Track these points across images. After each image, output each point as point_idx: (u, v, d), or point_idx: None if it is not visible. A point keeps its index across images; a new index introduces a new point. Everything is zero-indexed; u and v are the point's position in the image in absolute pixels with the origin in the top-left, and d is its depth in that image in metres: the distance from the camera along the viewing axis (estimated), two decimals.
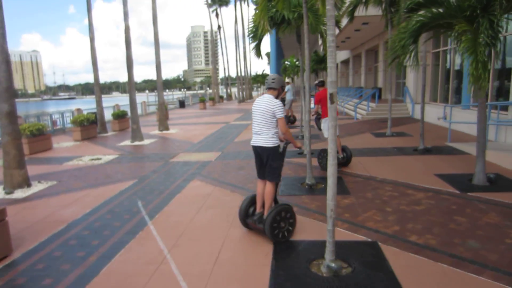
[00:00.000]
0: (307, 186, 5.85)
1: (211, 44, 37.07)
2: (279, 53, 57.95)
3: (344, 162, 6.97)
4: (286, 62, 39.37)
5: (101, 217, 4.84)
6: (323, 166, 6.75)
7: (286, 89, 13.75)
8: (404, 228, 4.10)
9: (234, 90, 65.39)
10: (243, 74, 42.65)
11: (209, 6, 39.43)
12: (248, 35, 9.35)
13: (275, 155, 3.87)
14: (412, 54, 6.15)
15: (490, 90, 9.26)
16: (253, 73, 56.48)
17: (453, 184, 5.66)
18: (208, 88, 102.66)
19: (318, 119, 7.09)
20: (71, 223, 4.64)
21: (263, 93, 4.62)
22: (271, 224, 3.74)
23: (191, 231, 4.28)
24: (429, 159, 7.52)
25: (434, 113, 12.97)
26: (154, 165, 7.99)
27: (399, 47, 5.96)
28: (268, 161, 3.88)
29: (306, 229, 4.17)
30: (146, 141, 11.71)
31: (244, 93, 41.62)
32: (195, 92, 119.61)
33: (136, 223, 4.56)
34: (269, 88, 3.94)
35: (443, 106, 12.76)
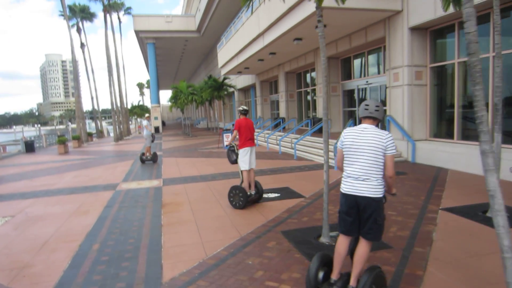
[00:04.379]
0: None
1: (74, 64, 27.45)
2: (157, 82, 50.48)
3: (256, 198, 6.50)
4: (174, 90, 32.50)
5: None
6: (235, 204, 6.25)
7: (145, 124, 13.21)
8: None
9: (104, 124, 54.71)
10: (118, 104, 33.82)
11: (68, 19, 29.95)
12: None
13: (381, 208, 2.95)
14: None
15: None
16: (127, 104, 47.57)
17: None
18: (69, 123, 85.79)
19: (231, 150, 6.70)
20: None
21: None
22: None
23: None
24: None
25: (470, 157, 8.25)
26: None
27: None
28: (372, 216, 2.90)
29: None
30: None
31: (122, 127, 32.72)
32: (53, 128, 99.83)
33: None
34: (369, 118, 3.00)
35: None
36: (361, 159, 2.93)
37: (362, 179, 2.91)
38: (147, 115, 13.84)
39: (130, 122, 52.33)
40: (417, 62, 10.21)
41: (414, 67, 10.21)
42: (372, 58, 13.40)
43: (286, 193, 7.30)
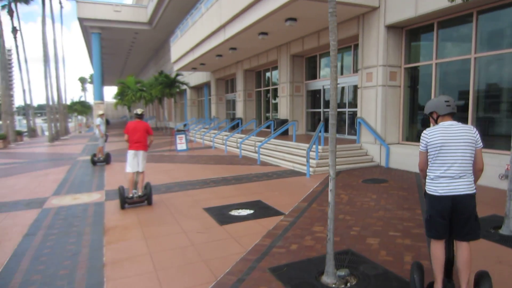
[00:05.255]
0: None
1: (2, 50, 23.78)
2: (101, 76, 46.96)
3: (139, 201, 6.45)
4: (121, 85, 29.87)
5: None
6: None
7: (98, 122, 11.63)
8: None
9: (39, 122, 49.74)
10: (55, 99, 30.38)
11: None
12: None
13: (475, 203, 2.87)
14: None
15: None
16: (66, 100, 43.52)
17: None
18: None
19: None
20: None
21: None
22: None
23: None
24: None
25: None
26: None
27: None
28: (472, 214, 2.83)
29: None
30: None
31: (58, 125, 29.39)
32: None
33: None
34: (451, 114, 2.92)
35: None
36: (457, 156, 2.80)
37: (458, 177, 2.80)
38: (100, 112, 12.22)
39: (69, 120, 48.01)
40: (392, 62, 9.60)
41: (389, 67, 9.59)
42: (340, 57, 12.70)
43: (260, 209, 6.12)
